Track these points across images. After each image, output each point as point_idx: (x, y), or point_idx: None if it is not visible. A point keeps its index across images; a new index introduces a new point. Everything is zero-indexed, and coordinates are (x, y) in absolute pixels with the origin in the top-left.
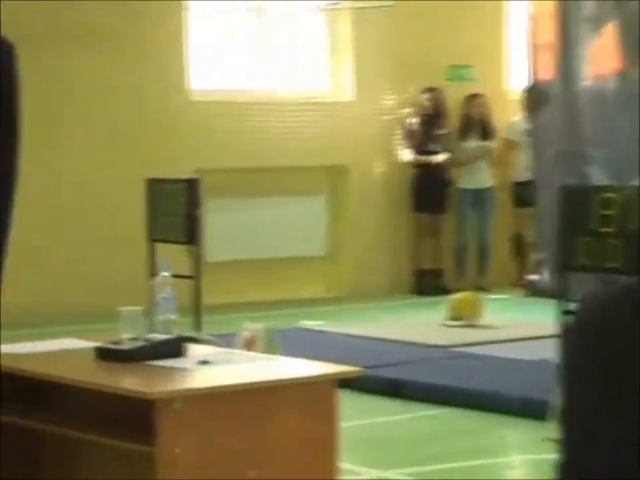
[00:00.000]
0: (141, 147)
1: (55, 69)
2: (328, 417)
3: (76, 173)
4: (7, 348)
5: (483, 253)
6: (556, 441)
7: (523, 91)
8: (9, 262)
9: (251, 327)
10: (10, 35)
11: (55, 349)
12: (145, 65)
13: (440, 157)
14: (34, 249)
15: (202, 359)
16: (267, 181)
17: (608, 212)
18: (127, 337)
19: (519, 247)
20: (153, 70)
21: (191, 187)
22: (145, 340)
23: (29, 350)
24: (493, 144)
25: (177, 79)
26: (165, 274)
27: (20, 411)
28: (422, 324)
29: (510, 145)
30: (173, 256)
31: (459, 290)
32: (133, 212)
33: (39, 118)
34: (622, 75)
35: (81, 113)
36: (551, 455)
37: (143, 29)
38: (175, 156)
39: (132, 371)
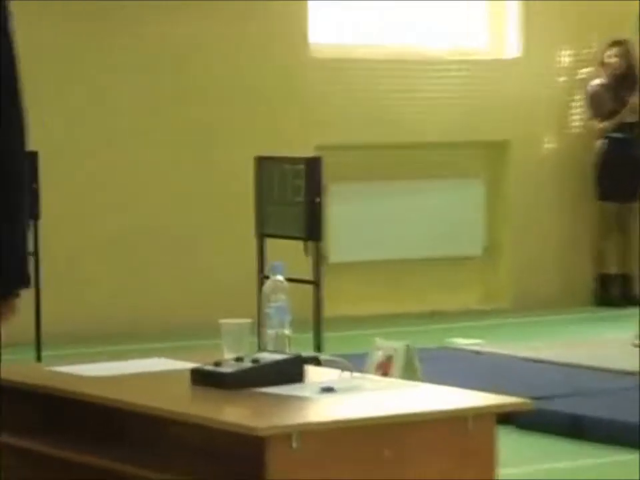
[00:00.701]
0: (247, 117)
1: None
2: (484, 462)
3: (173, 147)
4: (77, 369)
5: None
6: None
7: None
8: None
9: (386, 345)
10: None
11: (138, 371)
12: (259, 21)
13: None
14: (120, 240)
15: (324, 385)
16: (405, 160)
17: None
18: (230, 356)
19: None
20: (268, 26)
21: (311, 168)
22: (254, 361)
23: (105, 371)
24: None
25: (296, 34)
26: (279, 277)
27: (89, 446)
28: (606, 343)
29: None
30: (288, 255)
31: None
32: (239, 199)
33: (148, 81)
34: None
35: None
36: None
37: None
38: (291, 129)
39: (237, 399)
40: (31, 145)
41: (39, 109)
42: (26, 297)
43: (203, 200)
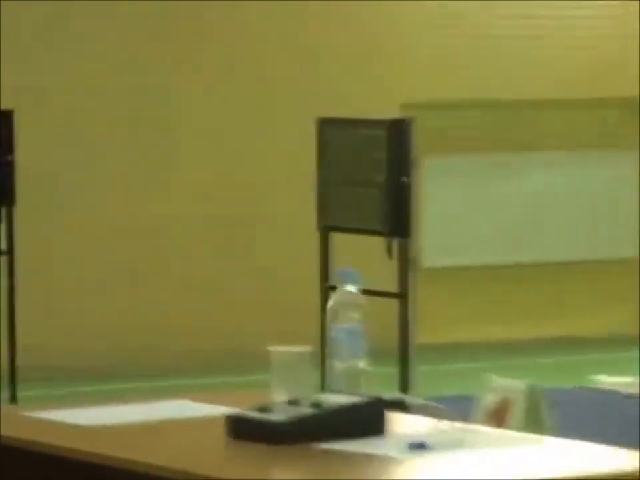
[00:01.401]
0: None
1: None
2: None
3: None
4: (68, 415)
5: None
6: None
7: None
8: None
9: (502, 385)
10: None
11: (152, 419)
12: None
13: None
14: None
15: (414, 440)
16: (521, 124)
17: None
18: (282, 398)
19: None
20: None
21: (396, 135)
22: (315, 405)
23: (107, 419)
24: None
25: None
26: (351, 288)
27: None
28: None
29: None
30: (362, 257)
31: None
32: (297, 177)
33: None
34: None
35: None
36: None
37: None
38: (369, 81)
39: (290, 459)
40: None
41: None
42: None
43: (253, 180)
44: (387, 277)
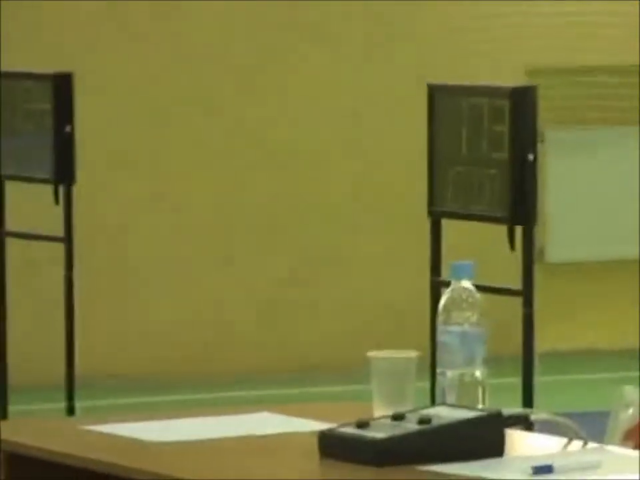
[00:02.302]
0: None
1: None
2: None
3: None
4: (132, 429)
5: None
6: None
7: None
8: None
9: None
10: None
11: (231, 435)
12: None
13: None
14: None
15: (540, 462)
16: None
17: None
18: (384, 412)
19: None
20: None
21: (517, 105)
22: (422, 421)
23: (176, 434)
24: None
25: None
26: (466, 284)
27: None
28: None
29: None
30: (478, 249)
31: None
32: (403, 151)
33: None
34: None
35: None
36: None
37: None
38: (487, 46)
39: None
40: None
41: None
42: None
43: (347, 158)
44: (506, 272)
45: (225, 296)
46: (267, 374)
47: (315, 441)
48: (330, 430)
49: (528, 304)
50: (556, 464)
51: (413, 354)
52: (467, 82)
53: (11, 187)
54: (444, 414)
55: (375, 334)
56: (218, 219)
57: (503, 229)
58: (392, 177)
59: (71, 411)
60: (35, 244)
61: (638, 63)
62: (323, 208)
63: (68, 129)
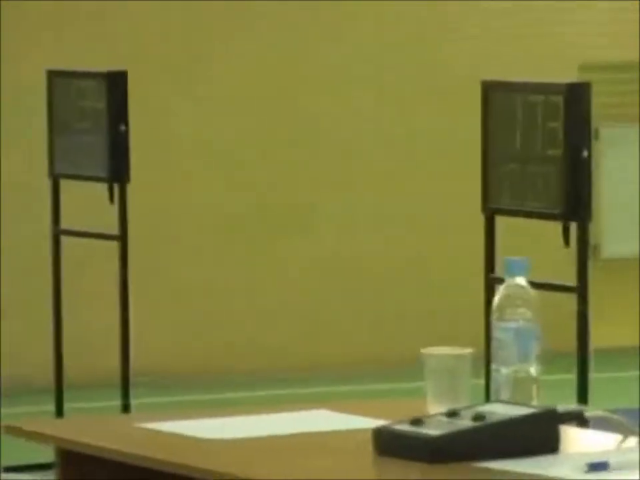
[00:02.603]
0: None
1: None
2: None
3: None
4: (187, 427)
5: None
6: None
7: None
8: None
9: None
10: None
11: (285, 432)
12: None
13: None
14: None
15: (595, 460)
16: None
17: None
18: (438, 409)
19: None
20: None
21: (572, 101)
22: (477, 417)
23: (237, 431)
24: None
25: None
26: (520, 281)
27: None
28: None
29: None
30: (530, 244)
31: None
32: (454, 151)
33: None
34: None
35: None
36: None
37: None
38: (539, 37)
39: None
40: None
41: None
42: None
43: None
44: (559, 269)
45: (287, 294)
46: (319, 370)
47: (369, 438)
48: (384, 427)
49: (582, 300)
50: (611, 461)
51: (466, 351)
52: (520, 79)
53: (65, 186)
54: (498, 411)
55: (429, 331)
56: (264, 218)
57: (556, 226)
58: (447, 174)
59: (126, 408)
60: (85, 242)
61: None
62: (376, 206)
63: (122, 127)
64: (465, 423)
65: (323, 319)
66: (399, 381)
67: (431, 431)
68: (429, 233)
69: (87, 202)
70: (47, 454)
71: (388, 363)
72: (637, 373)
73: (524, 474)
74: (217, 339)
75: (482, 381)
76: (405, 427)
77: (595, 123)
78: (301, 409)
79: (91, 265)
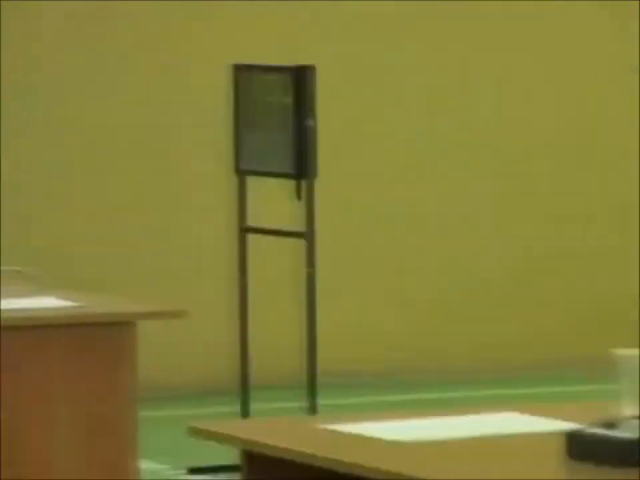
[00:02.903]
0: None
1: None
2: None
3: None
4: (372, 429)
5: None
6: None
7: None
8: None
9: None
10: None
11: (475, 434)
12: None
13: None
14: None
15: None
16: None
17: None
18: (631, 412)
19: None
20: None
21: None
22: None
23: (420, 433)
24: None
25: None
26: None
27: None
28: None
29: None
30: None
31: None
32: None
33: None
34: None
35: None
36: None
37: None
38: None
39: None
40: None
41: None
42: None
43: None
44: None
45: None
46: (480, 374)
47: (559, 441)
48: (578, 430)
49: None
50: None
51: None
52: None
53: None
54: None
55: (587, 330)
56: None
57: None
58: (602, 168)
59: (312, 409)
60: (267, 239)
61: None
62: (534, 203)
63: (310, 122)
64: None
65: (531, 320)
66: (588, 383)
67: (625, 434)
68: (585, 229)
69: (268, 199)
70: (227, 455)
71: (580, 362)
72: None
73: None
74: (406, 339)
75: None
76: (598, 430)
77: None
78: (489, 411)
79: (274, 262)
